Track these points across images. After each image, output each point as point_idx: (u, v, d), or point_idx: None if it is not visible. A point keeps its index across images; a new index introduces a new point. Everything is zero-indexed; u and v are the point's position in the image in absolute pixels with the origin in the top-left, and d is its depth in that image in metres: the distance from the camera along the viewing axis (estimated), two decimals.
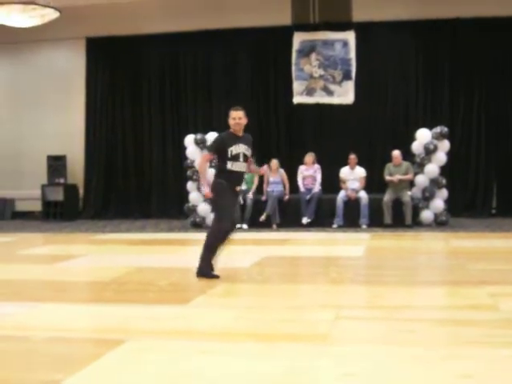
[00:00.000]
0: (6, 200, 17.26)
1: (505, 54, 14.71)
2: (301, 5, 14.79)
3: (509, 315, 5.13)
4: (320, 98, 15.14)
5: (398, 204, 12.88)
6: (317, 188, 13.38)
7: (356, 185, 13.29)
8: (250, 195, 13.36)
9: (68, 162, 16.63)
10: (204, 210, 13.54)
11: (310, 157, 13.65)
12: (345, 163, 13.52)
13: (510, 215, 14.35)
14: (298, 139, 15.41)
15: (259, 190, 13.67)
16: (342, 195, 13.17)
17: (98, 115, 16.88)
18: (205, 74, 16.25)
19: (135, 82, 16.62)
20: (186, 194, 14.05)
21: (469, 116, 15.05)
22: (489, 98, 14.95)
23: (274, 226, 13.09)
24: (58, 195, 16.27)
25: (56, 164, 16.50)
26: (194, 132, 14.14)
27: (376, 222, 12.92)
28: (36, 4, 12.14)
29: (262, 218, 13.08)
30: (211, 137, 13.78)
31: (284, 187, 13.47)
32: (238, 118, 7.19)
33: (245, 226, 13.10)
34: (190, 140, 13.79)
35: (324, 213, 13.34)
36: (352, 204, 13.13)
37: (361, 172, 13.45)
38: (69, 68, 17.12)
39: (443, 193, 13.16)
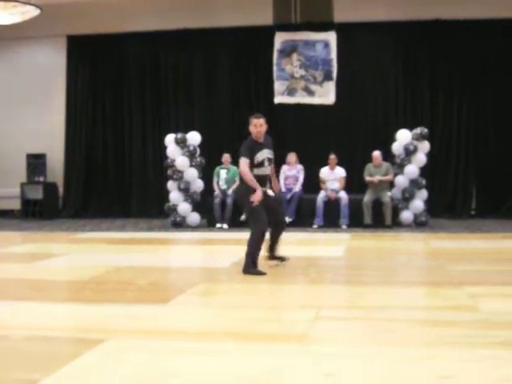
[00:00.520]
0: None
1: (484, 55, 14.79)
2: (282, 5, 14.77)
3: (488, 316, 5.16)
4: (301, 99, 15.14)
5: (377, 204, 12.92)
6: (297, 188, 13.38)
7: (336, 185, 13.31)
8: (230, 191, 13.34)
9: (48, 160, 16.53)
10: (184, 209, 13.53)
11: (291, 156, 13.66)
12: (325, 163, 13.54)
13: (489, 216, 14.44)
14: (278, 139, 15.34)
15: None
16: (322, 195, 13.19)
17: (78, 113, 16.76)
18: (186, 73, 16.19)
19: (116, 80, 16.55)
20: (166, 193, 14.02)
21: (449, 117, 15.12)
22: (469, 100, 15.02)
23: None
24: (37, 194, 16.17)
25: (36, 162, 16.40)
26: (175, 131, 14.10)
27: (356, 222, 12.94)
28: (17, 1, 12.03)
29: (243, 217, 13.06)
30: (192, 136, 13.79)
31: None
32: (259, 125, 7.55)
33: (225, 226, 13.10)
34: (170, 139, 13.75)
35: (304, 213, 13.35)
36: (332, 204, 13.14)
37: (341, 172, 13.46)
38: (49, 66, 16.99)
39: (423, 193, 13.22)
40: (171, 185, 13.70)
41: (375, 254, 9.51)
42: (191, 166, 13.66)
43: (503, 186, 14.79)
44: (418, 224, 13.03)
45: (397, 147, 13.29)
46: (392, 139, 13.40)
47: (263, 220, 7.44)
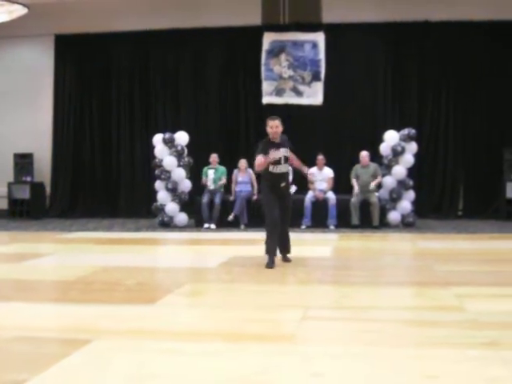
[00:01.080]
0: None
1: (473, 56, 14.86)
2: (271, 5, 14.81)
3: (475, 316, 5.18)
4: (289, 99, 15.16)
5: (365, 205, 12.94)
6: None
7: (324, 185, 13.32)
8: (212, 186, 13.39)
9: (35, 160, 16.49)
10: (172, 209, 13.51)
11: None
12: (313, 164, 13.53)
13: (476, 217, 14.50)
14: None
15: (227, 189, 13.68)
16: (309, 196, 13.19)
17: (66, 113, 16.72)
18: (174, 73, 16.18)
19: (104, 79, 16.51)
20: (153, 193, 13.99)
21: (436, 118, 15.19)
22: (457, 101, 15.10)
23: (242, 226, 13.07)
24: (24, 193, 16.13)
25: (23, 162, 16.35)
26: (163, 131, 14.08)
27: (344, 222, 12.96)
28: (4, 0, 12.00)
29: (230, 217, 13.07)
30: (180, 136, 13.76)
31: (252, 187, 13.44)
32: (275, 126, 8.03)
33: (213, 226, 13.09)
34: (158, 139, 13.73)
35: (292, 213, 13.30)
36: (320, 205, 13.15)
37: (329, 173, 13.47)
38: (37, 65, 16.93)
39: (410, 194, 13.26)
40: (159, 185, 13.67)
41: (363, 255, 9.54)
42: (179, 165, 13.63)
43: (490, 186, 14.84)
44: (406, 224, 13.07)
45: (384, 148, 13.32)
46: (380, 140, 13.44)
47: (273, 212, 7.93)
